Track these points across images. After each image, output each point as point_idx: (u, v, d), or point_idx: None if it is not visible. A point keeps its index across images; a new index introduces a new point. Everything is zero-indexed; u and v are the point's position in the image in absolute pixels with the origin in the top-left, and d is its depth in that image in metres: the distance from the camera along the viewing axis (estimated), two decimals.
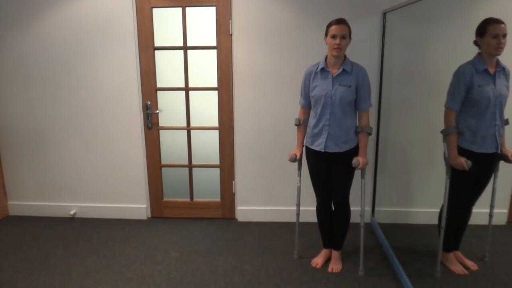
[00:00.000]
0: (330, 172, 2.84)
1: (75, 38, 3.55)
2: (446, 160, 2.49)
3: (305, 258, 3.13)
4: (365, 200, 2.87)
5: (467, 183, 2.55)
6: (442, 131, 2.50)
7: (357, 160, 2.68)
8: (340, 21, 2.58)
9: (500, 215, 2.54)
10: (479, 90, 2.34)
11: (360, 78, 2.67)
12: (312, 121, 2.81)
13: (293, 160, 2.90)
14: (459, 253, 2.76)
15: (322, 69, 2.71)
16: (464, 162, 2.35)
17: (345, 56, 2.69)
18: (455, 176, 2.46)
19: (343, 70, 2.66)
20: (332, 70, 2.69)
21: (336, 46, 2.58)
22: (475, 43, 2.36)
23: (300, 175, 3.00)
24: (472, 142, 2.44)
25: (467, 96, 2.39)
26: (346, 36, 2.58)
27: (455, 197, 2.50)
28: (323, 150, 2.76)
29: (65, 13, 3.50)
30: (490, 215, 2.57)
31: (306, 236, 3.49)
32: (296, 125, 2.97)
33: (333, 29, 2.58)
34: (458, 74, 2.40)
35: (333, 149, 2.74)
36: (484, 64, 2.33)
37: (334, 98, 2.65)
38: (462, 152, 2.44)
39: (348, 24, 2.60)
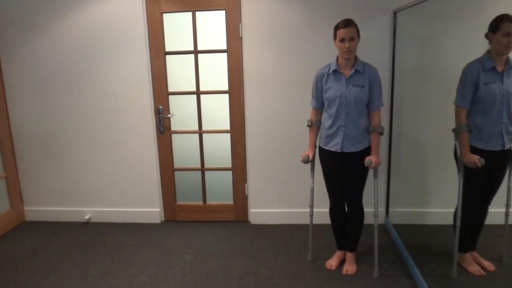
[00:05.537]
0: (344, 172, 2.83)
1: (88, 44, 3.60)
2: (458, 158, 2.47)
3: (319, 260, 3.12)
4: (378, 201, 2.85)
5: (479, 181, 2.53)
6: (453, 130, 2.48)
7: (370, 160, 2.67)
8: (347, 24, 2.57)
9: None
10: (485, 88, 2.33)
11: (372, 77, 2.66)
12: (326, 122, 2.81)
13: (305, 161, 2.89)
14: (475, 254, 2.74)
15: (335, 71, 2.70)
16: (476, 160, 2.33)
17: (356, 57, 2.68)
18: (467, 174, 2.44)
19: (356, 70, 2.65)
20: (344, 71, 2.69)
21: (346, 50, 2.57)
22: (486, 36, 2.34)
23: (313, 176, 2.99)
24: (478, 140, 2.43)
25: (474, 94, 2.37)
26: (354, 37, 2.57)
27: (468, 196, 2.48)
28: (339, 151, 2.75)
29: (77, 19, 3.56)
30: (506, 214, 2.54)
31: (320, 238, 3.48)
32: (308, 126, 2.96)
33: (341, 32, 2.57)
34: (465, 71, 2.39)
35: (349, 149, 2.74)
36: (492, 62, 2.32)
37: (349, 98, 2.65)
38: (469, 149, 2.42)
39: (355, 25, 2.58)
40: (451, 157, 2.59)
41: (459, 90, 2.42)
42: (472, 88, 2.37)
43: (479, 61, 2.36)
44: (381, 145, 3.04)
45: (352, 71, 2.66)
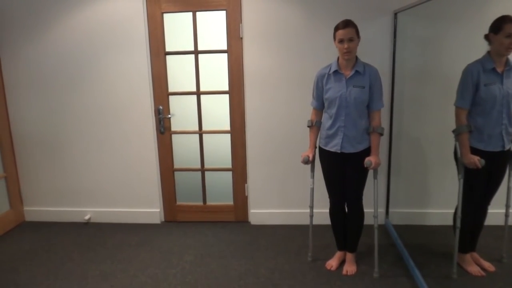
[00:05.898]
0: (344, 173, 2.83)
1: (88, 44, 3.60)
2: (458, 159, 2.48)
3: (319, 261, 3.12)
4: (378, 201, 2.85)
5: (479, 182, 2.53)
6: (453, 130, 2.48)
7: (370, 160, 2.67)
8: (346, 25, 2.57)
9: None
10: (485, 89, 2.34)
11: (372, 78, 2.67)
12: (326, 122, 2.81)
13: (306, 161, 2.89)
14: (475, 254, 2.74)
15: (335, 71, 2.71)
16: (477, 161, 2.33)
17: (356, 57, 2.68)
18: (467, 175, 2.44)
19: (356, 71, 2.66)
20: (345, 71, 2.69)
21: (345, 51, 2.58)
22: (486, 37, 2.34)
23: (313, 177, 2.99)
24: (479, 140, 2.43)
25: (474, 95, 2.38)
26: (353, 38, 2.57)
27: (468, 196, 2.48)
28: (339, 151, 2.75)
29: (78, 20, 3.56)
30: (506, 215, 2.54)
31: (320, 238, 3.48)
32: (308, 126, 2.96)
33: (340, 33, 2.57)
34: (466, 72, 2.40)
35: (349, 149, 2.74)
36: (492, 63, 2.32)
37: (349, 99, 2.65)
38: (469, 150, 2.43)
39: (354, 25, 2.58)
40: (451, 157, 2.59)
41: (459, 91, 2.43)
42: (472, 89, 2.37)
43: (479, 62, 2.37)
44: (381, 146, 3.04)
45: (353, 72, 2.66)
